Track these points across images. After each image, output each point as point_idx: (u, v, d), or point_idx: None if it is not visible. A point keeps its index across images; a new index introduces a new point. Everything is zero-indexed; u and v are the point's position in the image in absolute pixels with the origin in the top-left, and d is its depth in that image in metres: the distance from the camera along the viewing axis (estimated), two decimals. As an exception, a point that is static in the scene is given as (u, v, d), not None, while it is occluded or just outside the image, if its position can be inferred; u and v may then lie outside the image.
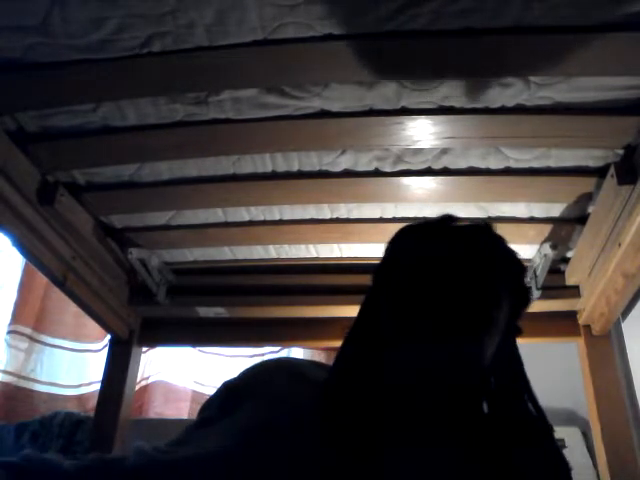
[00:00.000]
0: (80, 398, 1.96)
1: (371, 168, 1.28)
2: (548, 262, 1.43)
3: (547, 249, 1.40)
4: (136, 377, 1.81)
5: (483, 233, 0.66)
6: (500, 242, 0.67)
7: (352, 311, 0.69)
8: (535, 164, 1.24)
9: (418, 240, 0.67)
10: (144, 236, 1.53)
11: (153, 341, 1.86)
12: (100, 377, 1.73)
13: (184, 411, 1.93)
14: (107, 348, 1.77)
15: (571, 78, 1.02)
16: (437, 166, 1.26)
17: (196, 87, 1.08)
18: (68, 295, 1.51)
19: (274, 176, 1.31)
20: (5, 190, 1.19)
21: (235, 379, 0.70)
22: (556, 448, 0.64)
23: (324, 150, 1.23)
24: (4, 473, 0.55)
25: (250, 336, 1.77)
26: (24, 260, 1.92)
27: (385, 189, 1.31)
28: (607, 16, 0.91)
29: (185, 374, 2.04)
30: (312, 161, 1.27)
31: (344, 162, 1.26)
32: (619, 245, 1.23)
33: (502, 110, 1.11)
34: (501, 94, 1.06)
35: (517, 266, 0.67)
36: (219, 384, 0.72)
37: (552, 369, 1.72)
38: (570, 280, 1.54)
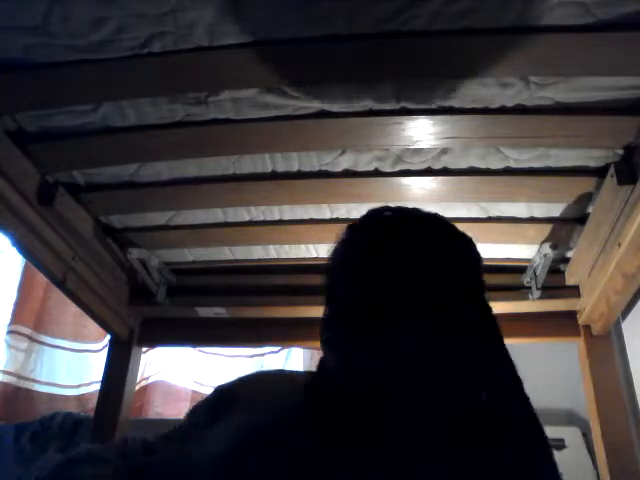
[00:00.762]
0: (80, 398, 1.97)
1: (371, 168, 1.28)
2: (548, 262, 1.43)
3: (547, 249, 1.40)
4: (136, 377, 1.81)
5: (405, 221, 0.68)
6: (426, 228, 0.69)
7: (352, 311, 0.69)
8: (535, 164, 1.24)
9: (345, 235, 0.73)
10: (144, 236, 1.53)
11: (153, 341, 1.86)
12: (100, 377, 1.73)
13: (184, 411, 1.89)
14: (107, 348, 1.77)
15: (571, 78, 1.02)
16: (437, 166, 1.26)
17: (196, 87, 1.08)
18: (68, 295, 1.51)
19: (274, 176, 1.31)
20: (5, 190, 1.19)
21: (229, 384, 0.70)
22: (545, 449, 0.62)
23: (324, 150, 1.23)
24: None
25: (250, 336, 1.77)
26: (24, 260, 1.92)
27: (385, 189, 1.31)
28: (607, 16, 0.91)
29: (185, 374, 2.04)
30: (312, 161, 1.26)
31: (344, 162, 1.26)
32: (619, 245, 1.23)
33: (502, 110, 1.10)
34: (501, 94, 1.06)
35: (446, 251, 0.68)
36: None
37: (552, 369, 1.73)
38: (570, 280, 1.54)
